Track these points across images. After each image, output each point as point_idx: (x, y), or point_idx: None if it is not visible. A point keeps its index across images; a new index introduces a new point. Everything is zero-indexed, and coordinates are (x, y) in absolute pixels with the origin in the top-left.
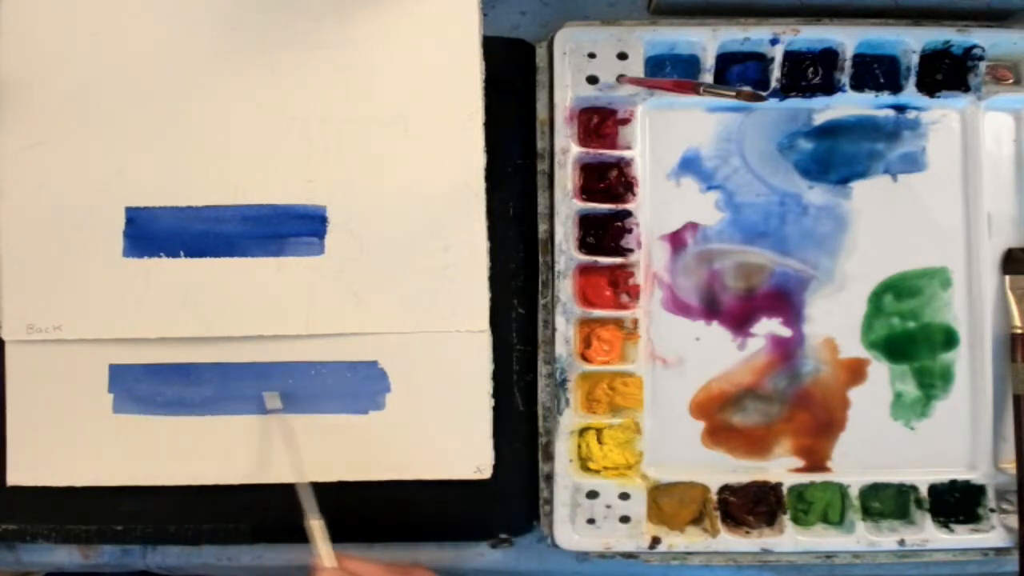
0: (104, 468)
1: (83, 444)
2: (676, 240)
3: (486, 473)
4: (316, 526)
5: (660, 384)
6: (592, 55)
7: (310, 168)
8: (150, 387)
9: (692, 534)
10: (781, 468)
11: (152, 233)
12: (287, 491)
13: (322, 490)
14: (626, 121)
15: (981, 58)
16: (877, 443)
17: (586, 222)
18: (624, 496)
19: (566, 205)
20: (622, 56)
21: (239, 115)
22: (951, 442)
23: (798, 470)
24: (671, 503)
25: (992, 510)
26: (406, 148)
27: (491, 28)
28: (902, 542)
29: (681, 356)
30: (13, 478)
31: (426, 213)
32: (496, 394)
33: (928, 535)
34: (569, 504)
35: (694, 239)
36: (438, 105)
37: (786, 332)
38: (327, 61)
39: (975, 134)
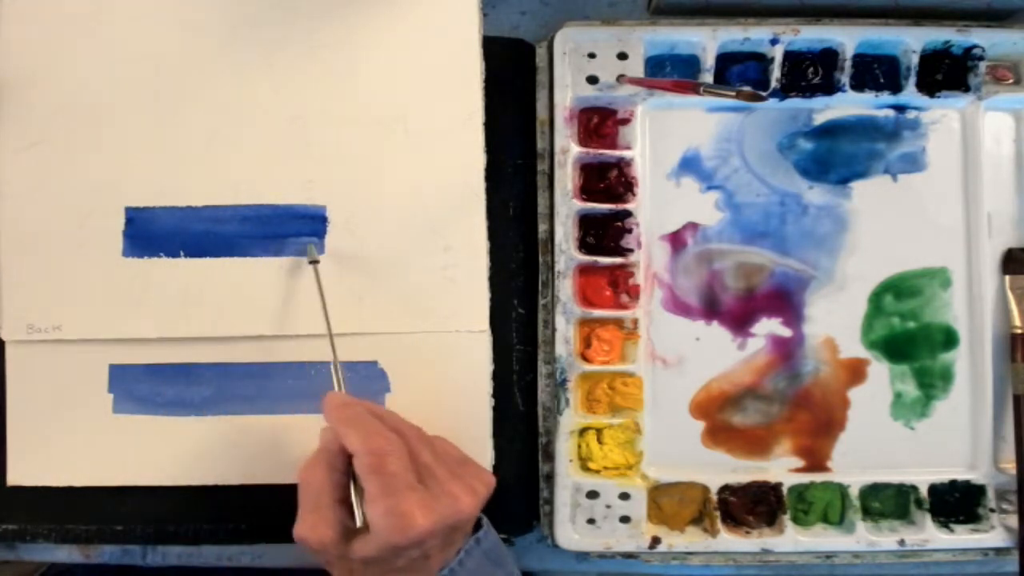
0: (104, 468)
1: (83, 444)
2: (676, 240)
3: None
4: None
5: (660, 384)
6: (592, 55)
7: (310, 168)
8: (150, 387)
9: (692, 534)
10: (781, 468)
11: (152, 233)
12: (287, 491)
13: None
14: (626, 121)
15: (981, 58)
16: (877, 443)
17: (586, 222)
18: (624, 496)
19: (566, 205)
20: (622, 56)
21: (239, 115)
22: (951, 442)
23: (798, 470)
24: (671, 503)
25: (992, 510)
26: (406, 148)
27: (491, 28)
28: (902, 542)
29: (681, 356)
30: (13, 478)
31: (426, 213)
32: (496, 394)
33: (928, 535)
34: (569, 504)
35: (694, 239)
36: (438, 105)
37: (786, 332)
38: (327, 61)
39: (975, 134)
